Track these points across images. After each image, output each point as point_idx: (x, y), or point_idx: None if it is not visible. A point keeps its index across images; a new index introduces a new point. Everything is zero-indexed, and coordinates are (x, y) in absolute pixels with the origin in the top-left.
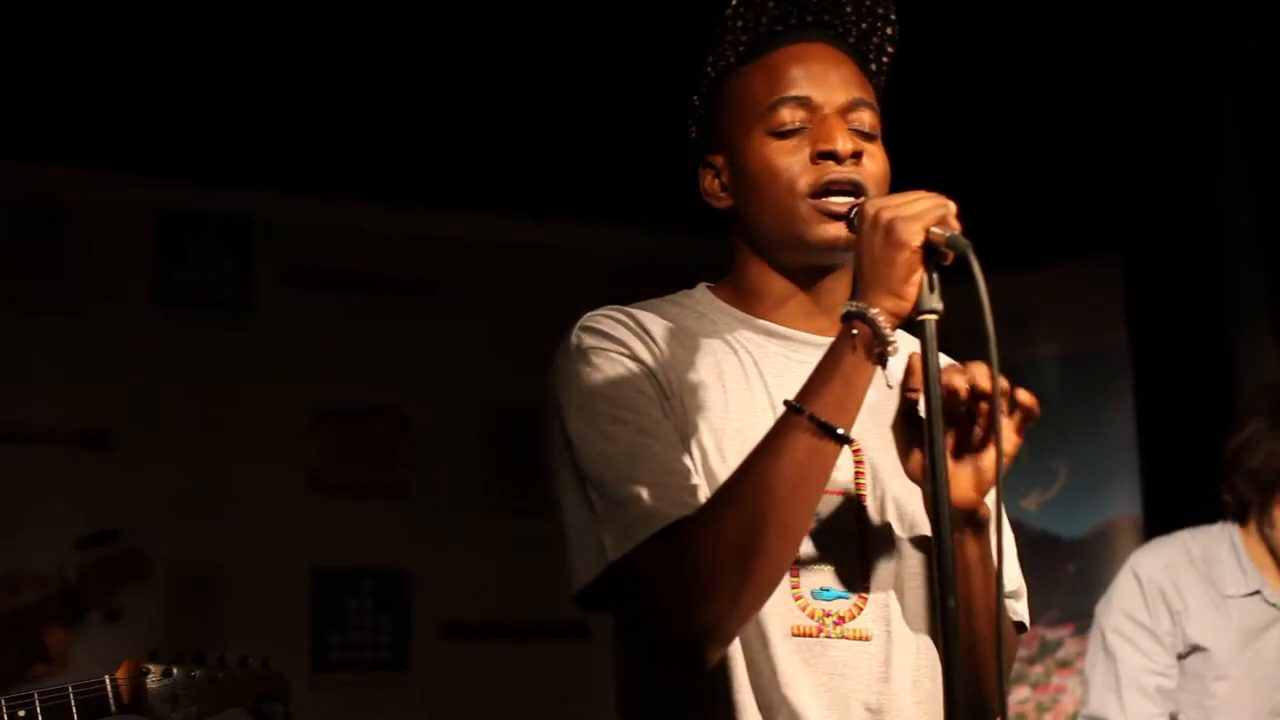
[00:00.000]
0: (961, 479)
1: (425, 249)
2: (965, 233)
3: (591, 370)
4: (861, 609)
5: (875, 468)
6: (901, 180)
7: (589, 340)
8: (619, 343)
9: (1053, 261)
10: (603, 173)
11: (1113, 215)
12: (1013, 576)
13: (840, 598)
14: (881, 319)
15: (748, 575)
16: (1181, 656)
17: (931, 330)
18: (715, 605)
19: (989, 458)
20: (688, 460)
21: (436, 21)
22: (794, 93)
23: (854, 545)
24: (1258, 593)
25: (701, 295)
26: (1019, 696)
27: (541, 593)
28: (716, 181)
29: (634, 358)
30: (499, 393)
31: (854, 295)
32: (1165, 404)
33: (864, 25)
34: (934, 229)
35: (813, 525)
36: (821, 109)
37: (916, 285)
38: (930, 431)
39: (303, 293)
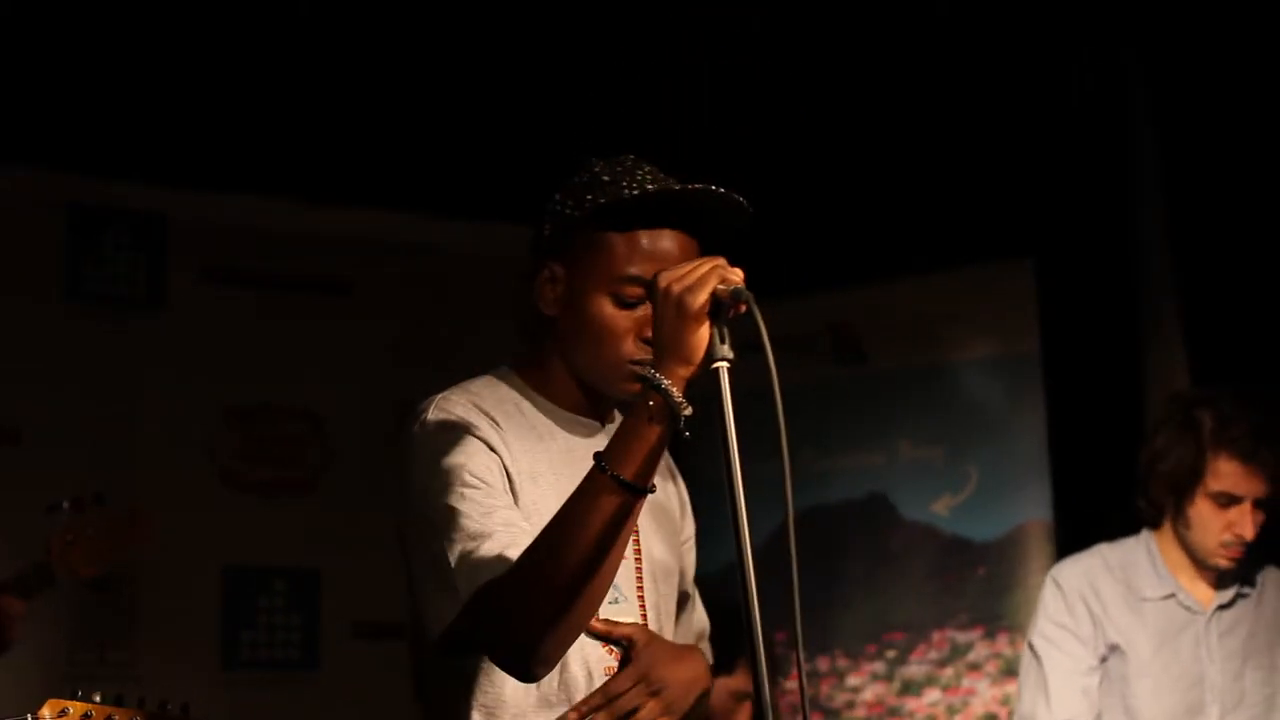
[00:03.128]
0: None
1: (340, 249)
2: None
3: (442, 442)
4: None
5: (640, 523)
6: (820, 185)
7: (437, 415)
8: (468, 421)
9: (965, 266)
10: (519, 174)
11: (1025, 220)
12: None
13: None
14: (673, 389)
15: (562, 614)
16: (1103, 659)
17: (725, 378)
18: (535, 638)
19: None
20: (525, 528)
21: (356, 21)
22: (643, 274)
23: (634, 595)
24: (1173, 596)
25: (514, 381)
26: (930, 699)
27: None
28: (551, 289)
29: (480, 437)
30: (411, 393)
31: (653, 361)
32: (1076, 409)
33: (720, 219)
34: (719, 287)
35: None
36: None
37: (704, 346)
38: (729, 475)
39: (215, 290)
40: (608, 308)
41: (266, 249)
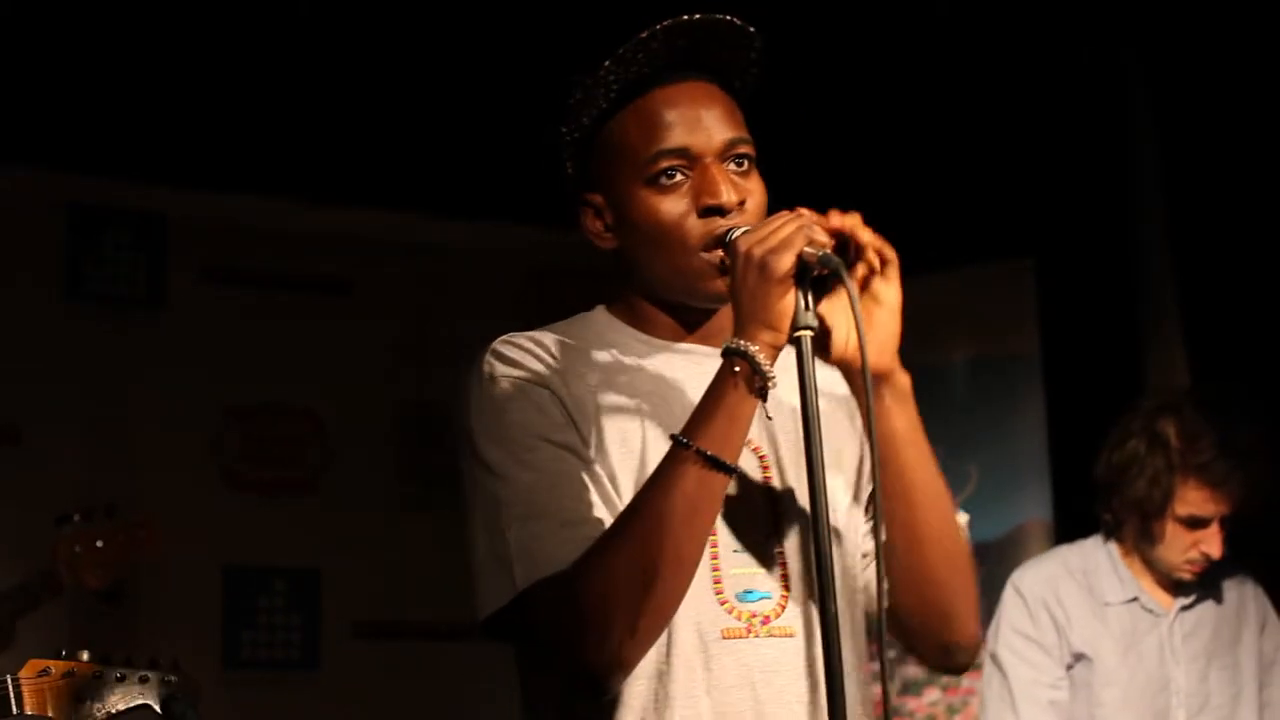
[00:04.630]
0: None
1: (340, 248)
2: (880, 234)
3: (504, 399)
4: (784, 607)
5: (782, 470)
6: (821, 185)
7: (500, 368)
8: (530, 370)
9: (965, 265)
10: (519, 173)
11: (1025, 219)
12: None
13: (763, 598)
14: (760, 356)
15: (643, 607)
16: (1069, 667)
17: (807, 346)
18: (612, 639)
19: (881, 314)
20: (595, 494)
21: (356, 21)
22: (672, 145)
23: (771, 546)
24: (1135, 599)
25: (600, 317)
26: (930, 699)
27: (452, 593)
28: (599, 222)
29: (545, 385)
30: (411, 392)
31: (735, 328)
32: (1075, 408)
33: (725, 55)
34: (806, 250)
35: (730, 533)
36: (701, 158)
37: (790, 312)
38: (808, 451)
39: (215, 290)
40: (651, 199)
41: (266, 249)
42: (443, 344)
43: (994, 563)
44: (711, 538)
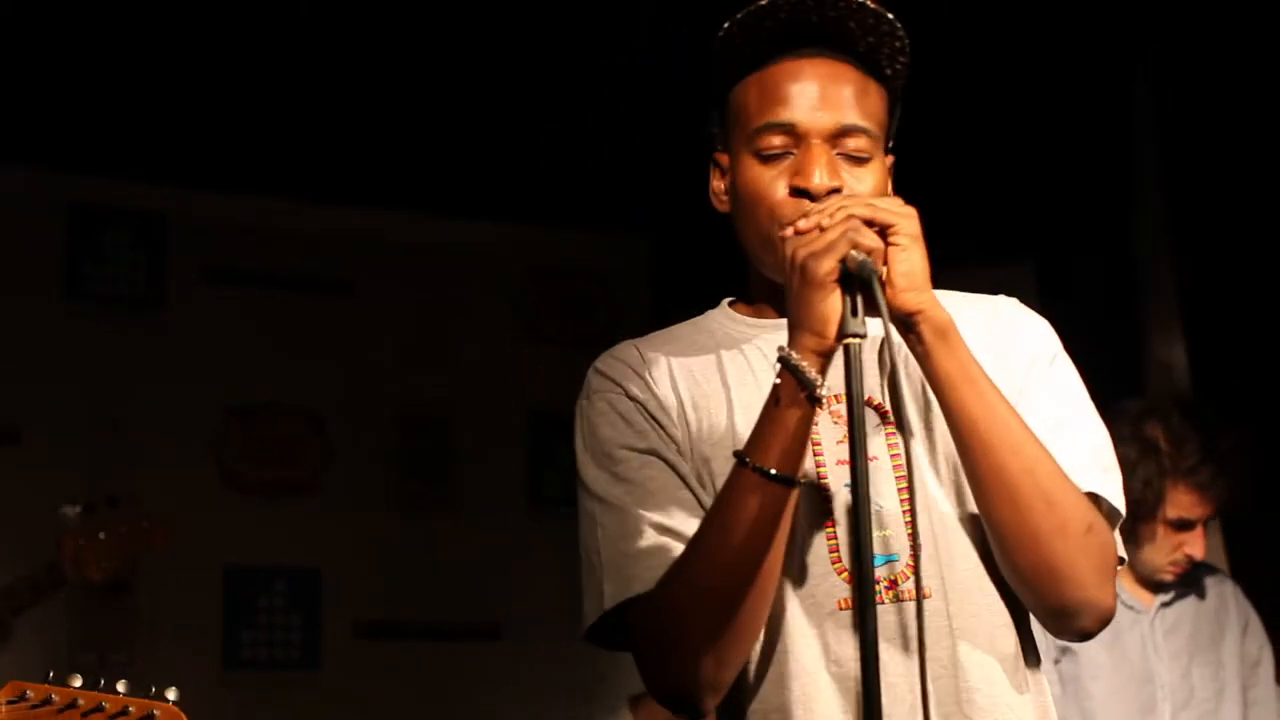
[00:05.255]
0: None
1: (341, 248)
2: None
3: (595, 415)
4: (914, 568)
5: (904, 422)
6: None
7: (596, 383)
8: (617, 384)
9: (965, 268)
10: (522, 173)
11: (1025, 219)
12: (1071, 444)
13: (889, 560)
14: (805, 364)
15: (721, 628)
16: (1056, 661)
17: (855, 353)
18: (696, 659)
19: (901, 262)
20: (685, 496)
21: (356, 21)
22: (780, 119)
23: (893, 507)
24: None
25: (721, 308)
26: None
27: (452, 592)
28: (722, 183)
29: (629, 395)
30: (412, 393)
31: (789, 335)
32: None
33: (870, 39)
34: (850, 254)
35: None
36: (807, 136)
37: (837, 318)
38: (853, 458)
39: (216, 290)
40: (754, 169)
41: (266, 249)
42: (443, 344)
43: None
44: (826, 505)
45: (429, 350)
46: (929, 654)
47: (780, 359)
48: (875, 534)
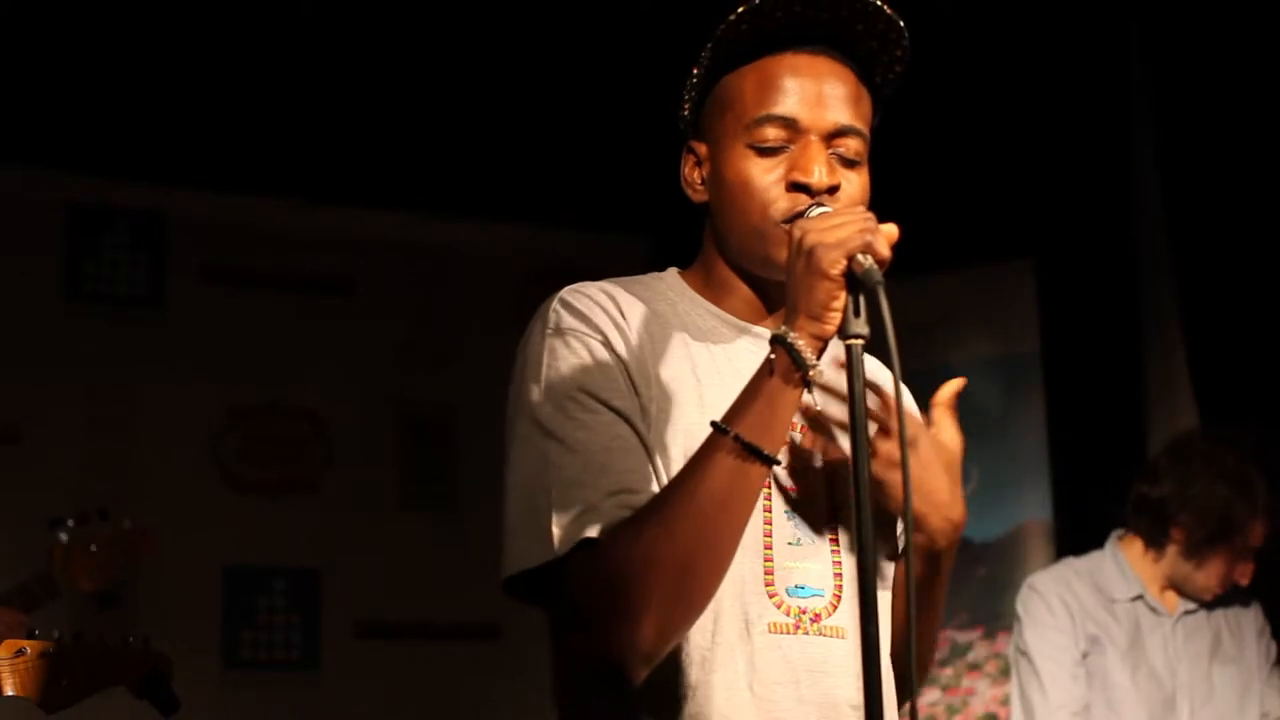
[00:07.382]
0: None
1: (342, 248)
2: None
3: (567, 353)
4: (836, 606)
5: (845, 463)
6: None
7: (567, 320)
8: (596, 329)
9: (966, 266)
10: (519, 173)
11: (1025, 219)
12: None
13: (815, 595)
14: (801, 344)
15: (674, 595)
16: (1084, 654)
17: (858, 354)
18: (639, 625)
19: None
20: (647, 466)
21: (356, 21)
22: (781, 111)
23: (825, 543)
24: (1140, 597)
25: (673, 281)
26: (929, 699)
27: (452, 592)
28: (697, 172)
29: (610, 347)
30: (412, 392)
31: (785, 315)
32: (1076, 409)
33: (873, 44)
34: (858, 256)
35: (789, 525)
36: (806, 133)
37: (839, 310)
38: (855, 461)
39: (216, 290)
40: (748, 159)
41: (266, 249)
42: (443, 344)
43: (994, 563)
44: (766, 528)
45: (429, 350)
46: (839, 694)
47: (776, 337)
48: (804, 566)
